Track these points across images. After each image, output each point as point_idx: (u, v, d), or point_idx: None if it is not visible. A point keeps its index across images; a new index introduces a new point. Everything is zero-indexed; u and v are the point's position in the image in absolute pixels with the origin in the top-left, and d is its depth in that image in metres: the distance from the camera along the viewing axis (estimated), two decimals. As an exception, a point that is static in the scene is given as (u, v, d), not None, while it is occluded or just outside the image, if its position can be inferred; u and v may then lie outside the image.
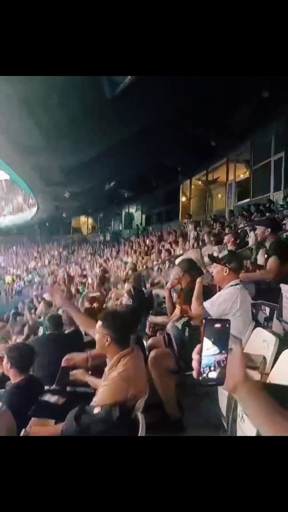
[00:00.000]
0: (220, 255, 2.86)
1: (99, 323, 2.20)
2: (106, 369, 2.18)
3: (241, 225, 7.67)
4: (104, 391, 2.00)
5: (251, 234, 5.35)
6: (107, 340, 2.09)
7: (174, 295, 3.70)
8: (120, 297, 6.11)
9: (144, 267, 8.63)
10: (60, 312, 4.35)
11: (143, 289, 5.51)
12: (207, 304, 2.67)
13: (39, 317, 7.51)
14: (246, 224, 7.22)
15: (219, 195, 15.08)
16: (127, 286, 5.37)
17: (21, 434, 1.89)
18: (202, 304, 2.69)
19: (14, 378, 2.51)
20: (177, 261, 3.95)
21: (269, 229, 3.66)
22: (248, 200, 11.92)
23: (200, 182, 16.71)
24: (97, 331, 2.18)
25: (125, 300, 3.65)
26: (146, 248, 12.22)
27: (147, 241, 14.55)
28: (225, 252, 2.86)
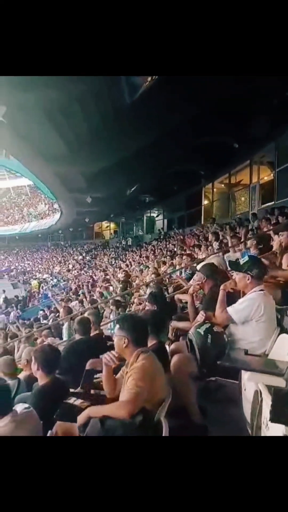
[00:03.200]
0: (241, 261, 2.82)
1: (117, 326, 2.25)
2: (124, 367, 2.19)
3: (265, 229, 7.51)
4: (132, 379, 1.98)
5: (275, 238, 5.23)
6: (124, 342, 2.13)
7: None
8: (143, 301, 6.14)
9: (167, 271, 8.62)
10: (88, 315, 4.43)
11: (166, 293, 5.51)
12: (230, 310, 2.65)
13: (61, 323, 7.66)
14: (270, 228, 7.06)
15: (243, 198, 14.85)
16: (148, 291, 5.39)
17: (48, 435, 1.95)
18: (226, 310, 2.68)
19: (41, 380, 2.59)
20: (199, 266, 3.93)
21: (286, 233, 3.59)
22: (272, 203, 11.69)
23: (222, 185, 16.51)
24: (115, 334, 2.22)
25: (148, 306, 3.66)
26: (168, 253, 12.20)
27: (169, 245, 14.52)
28: (246, 259, 2.77)
